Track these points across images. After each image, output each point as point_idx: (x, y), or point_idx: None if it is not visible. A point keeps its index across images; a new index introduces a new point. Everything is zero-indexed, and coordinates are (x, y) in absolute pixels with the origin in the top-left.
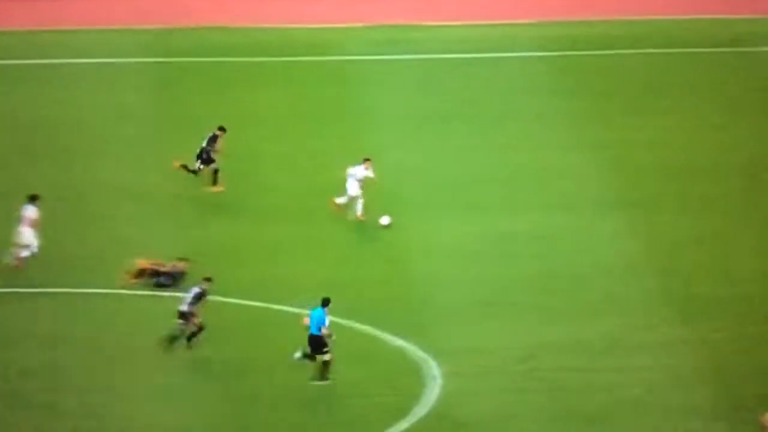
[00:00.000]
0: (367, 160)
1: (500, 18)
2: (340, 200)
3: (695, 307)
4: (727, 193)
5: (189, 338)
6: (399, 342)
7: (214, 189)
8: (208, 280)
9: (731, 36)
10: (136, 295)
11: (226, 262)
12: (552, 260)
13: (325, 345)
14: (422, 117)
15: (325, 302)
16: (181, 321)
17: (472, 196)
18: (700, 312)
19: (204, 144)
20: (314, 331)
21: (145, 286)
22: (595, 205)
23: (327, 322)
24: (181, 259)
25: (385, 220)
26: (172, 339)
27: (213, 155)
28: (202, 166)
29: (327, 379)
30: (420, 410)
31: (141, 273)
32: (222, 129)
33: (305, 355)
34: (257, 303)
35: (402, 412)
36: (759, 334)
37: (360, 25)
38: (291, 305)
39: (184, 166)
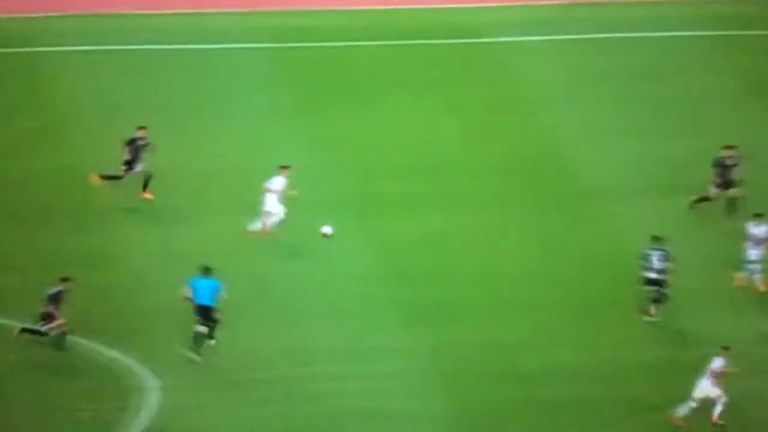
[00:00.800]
0: (283, 168)
1: (209, 7)
2: (255, 226)
3: (430, 311)
4: (459, 192)
5: (50, 334)
6: (112, 353)
7: (146, 195)
8: (65, 280)
9: (462, 27)
10: None
11: None
12: (283, 263)
13: (215, 314)
14: (131, 110)
15: (208, 270)
16: (42, 322)
17: (184, 196)
18: (434, 316)
19: (130, 151)
20: (207, 303)
21: None
22: (323, 206)
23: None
24: None
25: (327, 229)
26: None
27: (142, 159)
28: (127, 172)
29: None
30: (131, 425)
31: None
32: (142, 128)
33: (196, 338)
34: None
35: (106, 428)
36: (493, 339)
37: (74, 13)
38: None
39: (105, 176)
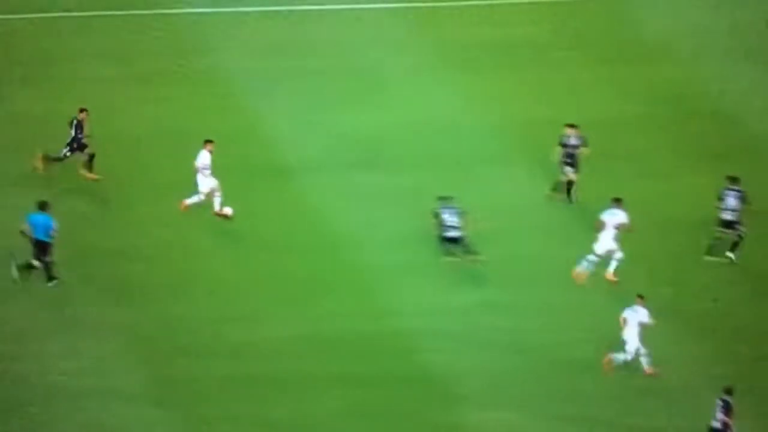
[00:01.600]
0: (209, 142)
1: None
2: (191, 200)
3: (129, 286)
4: (152, 168)
5: None
6: None
7: (90, 176)
8: None
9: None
10: None
11: None
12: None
13: (48, 251)
14: None
15: (43, 205)
16: None
17: None
18: (133, 291)
19: (72, 132)
20: (43, 237)
21: None
22: (14, 178)
23: (55, 226)
24: None
25: (228, 210)
26: None
27: (85, 141)
28: (69, 154)
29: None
30: None
31: None
32: (83, 110)
33: (27, 266)
34: None
35: None
36: (196, 314)
37: None
38: None
39: (48, 157)
